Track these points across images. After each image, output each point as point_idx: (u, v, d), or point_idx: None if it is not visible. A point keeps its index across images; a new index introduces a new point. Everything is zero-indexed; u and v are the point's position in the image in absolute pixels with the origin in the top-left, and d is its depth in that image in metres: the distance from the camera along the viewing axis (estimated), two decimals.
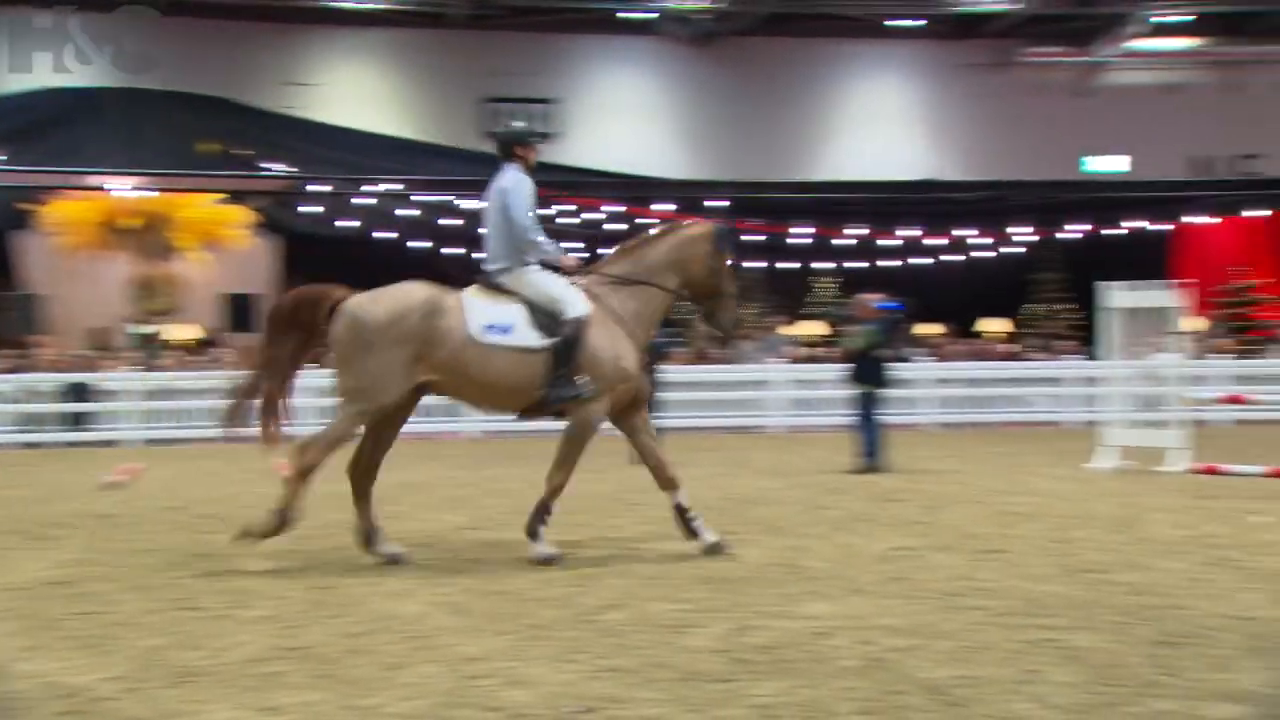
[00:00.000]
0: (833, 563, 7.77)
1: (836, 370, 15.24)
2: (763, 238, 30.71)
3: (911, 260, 34.68)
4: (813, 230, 30.51)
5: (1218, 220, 34.40)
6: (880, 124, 31.57)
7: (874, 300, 14.11)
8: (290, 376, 7.96)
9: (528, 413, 8.14)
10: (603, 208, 29.36)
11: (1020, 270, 34.87)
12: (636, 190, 29.91)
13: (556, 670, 5.32)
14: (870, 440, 13.44)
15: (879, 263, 32.50)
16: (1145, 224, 34.03)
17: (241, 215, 26.59)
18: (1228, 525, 9.11)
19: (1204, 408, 17.22)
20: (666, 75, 31.24)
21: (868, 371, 13.52)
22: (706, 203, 30.29)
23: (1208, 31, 29.49)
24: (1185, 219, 34.27)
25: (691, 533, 8.13)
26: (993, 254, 35.61)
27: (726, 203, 30.15)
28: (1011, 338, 29.25)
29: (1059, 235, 34.59)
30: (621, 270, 8.28)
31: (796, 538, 8.77)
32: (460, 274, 8.86)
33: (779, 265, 31.12)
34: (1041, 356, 23.86)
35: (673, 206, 30.15)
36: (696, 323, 8.60)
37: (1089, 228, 34.22)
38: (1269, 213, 33.32)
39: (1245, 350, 24.48)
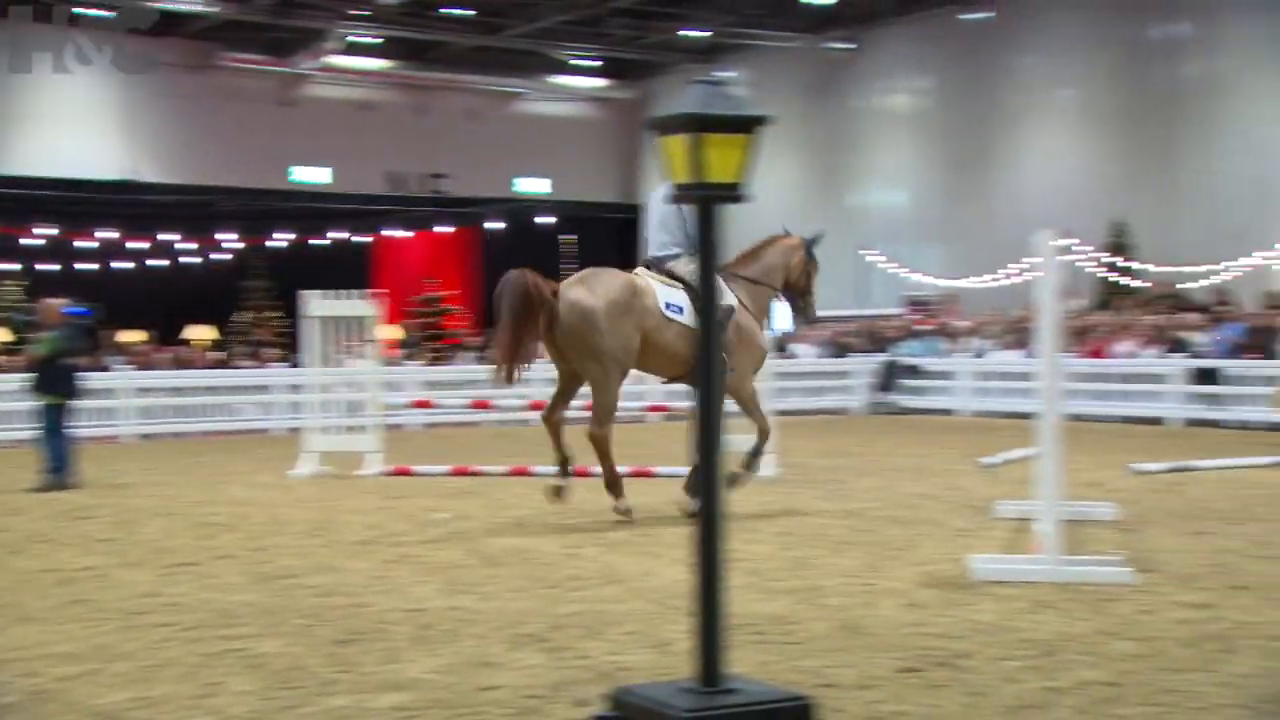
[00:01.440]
0: (2, 591, 7.13)
1: (19, 380, 14.06)
2: None
3: (111, 264, 33.10)
4: None
5: (411, 234, 36.85)
6: (71, 119, 29.50)
7: (60, 305, 13.20)
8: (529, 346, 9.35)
9: (678, 380, 9.92)
10: None
11: (228, 277, 34.71)
12: None
13: None
14: (57, 454, 12.54)
15: (75, 265, 30.63)
16: (348, 235, 35.52)
17: None
18: (411, 523, 9.69)
19: (397, 412, 18.27)
20: None
21: (53, 381, 12.60)
22: None
23: (397, 55, 31.30)
24: (384, 232, 36.28)
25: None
26: (200, 260, 35.11)
27: None
28: (218, 345, 28.96)
29: (267, 243, 34.96)
30: (743, 271, 10.02)
31: None
32: None
33: None
34: (249, 364, 23.86)
35: None
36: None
37: (295, 237, 34.98)
38: (454, 229, 36.33)
39: (435, 357, 26.34)
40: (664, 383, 10.41)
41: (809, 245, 10.43)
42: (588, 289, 9.34)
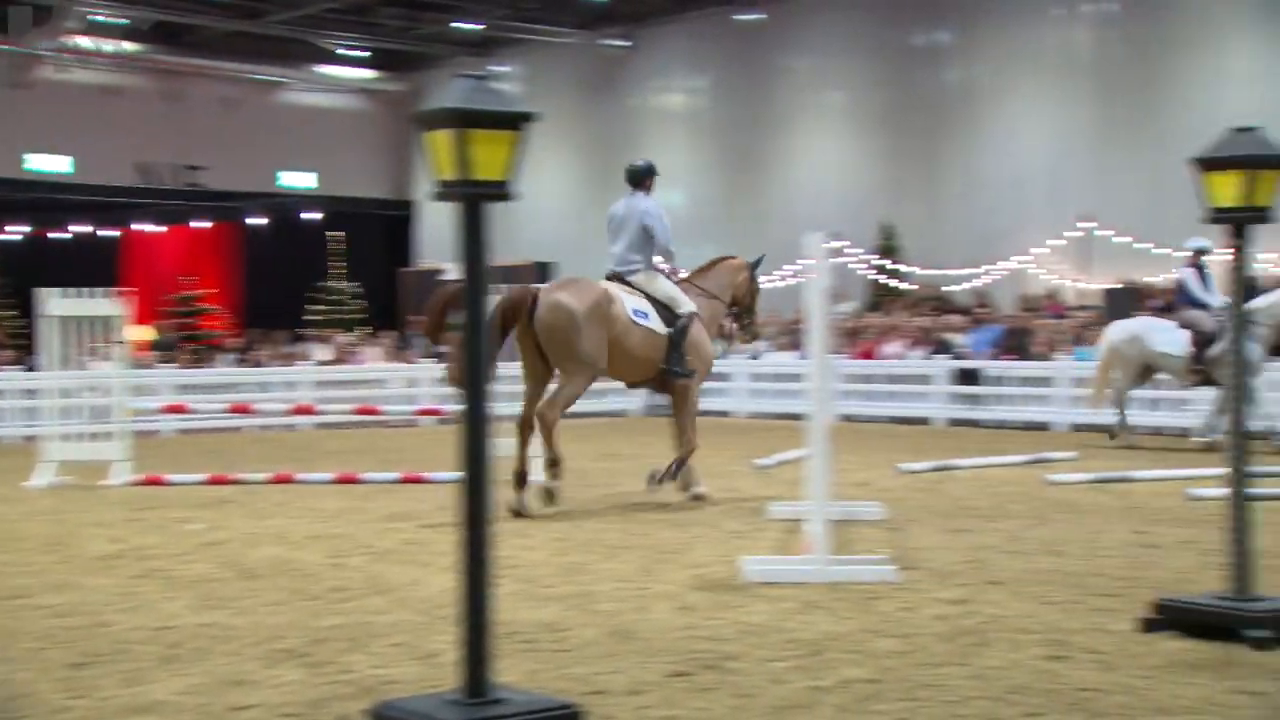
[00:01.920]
0: None
1: None
2: None
3: None
4: None
5: (165, 229, 35.10)
6: None
7: None
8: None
9: (641, 384, 10.78)
10: None
11: None
12: None
13: None
14: None
15: None
16: (92, 229, 33.55)
17: None
18: (162, 535, 9.15)
19: (148, 418, 17.30)
20: None
21: None
22: None
23: (147, 37, 29.63)
24: (134, 225, 34.42)
25: (685, 486, 10.43)
26: None
27: None
28: None
29: None
30: (699, 284, 10.69)
31: None
32: None
33: None
34: None
35: None
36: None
37: (31, 229, 32.83)
38: (213, 224, 34.80)
39: (192, 359, 25.13)
40: (627, 386, 10.95)
41: (753, 267, 11.15)
42: (568, 293, 9.90)
